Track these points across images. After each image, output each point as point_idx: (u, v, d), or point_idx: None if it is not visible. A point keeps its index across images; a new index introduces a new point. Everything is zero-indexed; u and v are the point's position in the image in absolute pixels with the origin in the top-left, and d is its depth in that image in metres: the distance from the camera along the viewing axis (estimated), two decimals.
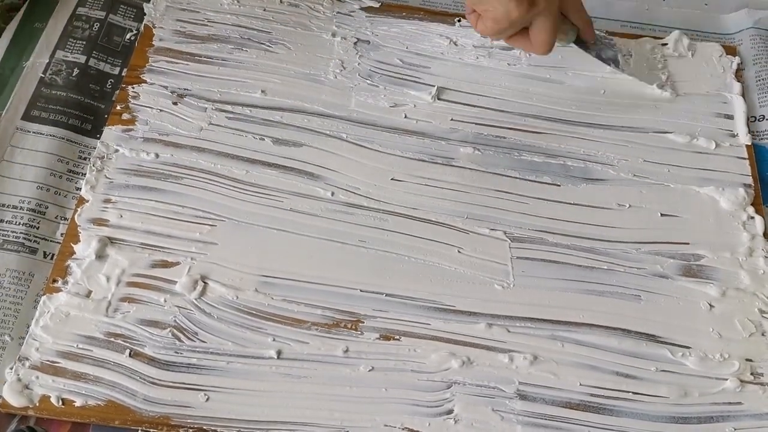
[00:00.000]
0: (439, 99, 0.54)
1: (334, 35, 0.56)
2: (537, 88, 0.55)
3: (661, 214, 0.50)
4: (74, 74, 0.54)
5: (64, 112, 0.52)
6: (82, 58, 0.54)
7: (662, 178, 0.51)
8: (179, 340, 0.44)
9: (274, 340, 0.44)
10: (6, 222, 0.48)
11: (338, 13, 0.58)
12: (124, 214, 0.48)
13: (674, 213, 0.50)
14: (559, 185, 0.51)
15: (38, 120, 0.52)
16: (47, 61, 0.54)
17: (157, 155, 0.50)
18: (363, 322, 0.45)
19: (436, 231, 0.48)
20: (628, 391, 0.43)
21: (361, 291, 0.46)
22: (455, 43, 0.56)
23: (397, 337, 0.45)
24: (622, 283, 0.47)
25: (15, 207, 0.48)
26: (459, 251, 0.48)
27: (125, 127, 0.51)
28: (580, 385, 0.44)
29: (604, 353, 0.45)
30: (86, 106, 0.53)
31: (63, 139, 0.51)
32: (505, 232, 0.48)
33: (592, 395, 0.43)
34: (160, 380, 0.43)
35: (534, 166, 0.51)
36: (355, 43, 0.56)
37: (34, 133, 0.51)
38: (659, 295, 0.47)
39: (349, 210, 0.49)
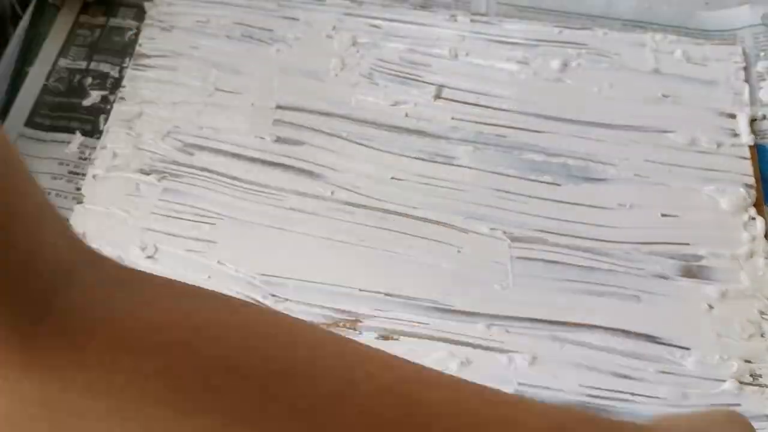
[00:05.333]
0: (439, 98, 0.54)
1: (335, 32, 0.56)
2: (538, 87, 0.54)
3: (662, 215, 0.49)
4: (76, 80, 0.54)
5: (65, 117, 0.52)
6: (84, 64, 0.55)
7: (663, 177, 0.51)
8: None
9: None
10: None
11: (340, 10, 0.57)
12: (124, 212, 0.48)
13: (675, 213, 0.50)
14: (559, 185, 0.50)
15: (40, 127, 0.52)
16: (50, 68, 0.54)
17: (157, 153, 0.50)
18: (362, 322, 0.45)
19: (435, 230, 0.48)
20: (627, 392, 0.43)
21: (360, 290, 0.46)
22: (458, 41, 0.56)
23: (396, 336, 0.45)
24: (621, 284, 0.47)
25: None
26: (458, 251, 0.48)
27: (127, 124, 0.51)
28: (579, 385, 0.44)
29: (603, 354, 0.45)
30: (86, 107, 0.53)
31: (64, 142, 0.51)
32: (504, 232, 0.48)
33: (590, 396, 0.43)
34: None
35: (534, 165, 0.51)
36: (355, 41, 0.56)
37: (36, 139, 0.51)
38: (659, 296, 0.47)
39: (348, 209, 0.49)
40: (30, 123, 0.52)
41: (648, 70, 0.55)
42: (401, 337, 0.45)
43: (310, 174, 0.50)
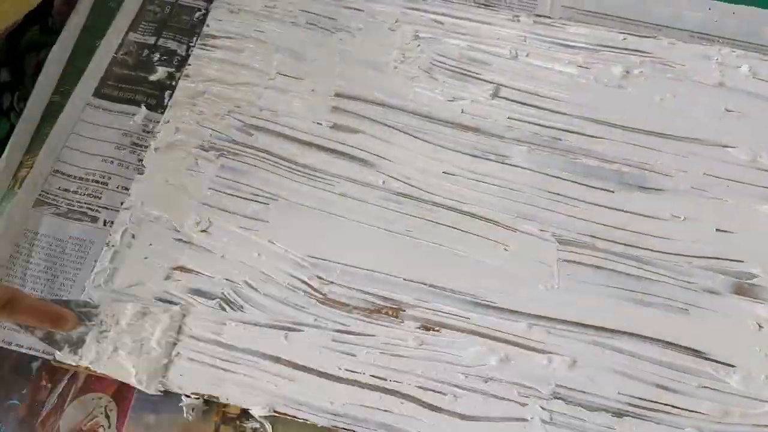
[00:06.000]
0: (497, 96, 0.54)
1: (397, 24, 0.57)
2: (598, 92, 0.54)
3: (717, 230, 0.49)
4: (144, 54, 0.56)
5: (132, 90, 0.54)
6: (152, 39, 0.56)
7: (721, 192, 0.50)
8: (225, 311, 0.45)
9: (315, 320, 0.45)
10: (72, 192, 0.50)
11: (403, 4, 0.58)
12: (182, 186, 0.49)
13: (730, 229, 0.49)
14: (612, 191, 0.50)
15: (108, 97, 0.54)
16: (120, 41, 0.56)
17: (217, 131, 0.52)
18: (404, 311, 0.46)
19: (483, 226, 0.48)
20: (668, 404, 0.43)
21: (404, 279, 0.46)
22: (519, 41, 0.56)
23: (437, 328, 0.45)
24: (670, 295, 0.46)
25: (81, 179, 0.50)
26: (505, 249, 0.48)
27: (190, 101, 0.53)
28: (619, 393, 0.43)
29: (646, 363, 0.44)
30: (153, 82, 0.54)
31: (130, 114, 0.53)
32: (553, 234, 0.48)
33: (630, 405, 0.43)
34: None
35: (588, 170, 0.51)
36: (417, 35, 0.56)
37: (103, 109, 0.53)
38: (707, 311, 0.46)
39: (398, 199, 0.49)
40: (98, 93, 0.54)
41: (713, 84, 0.54)
42: (442, 329, 0.45)
43: (363, 162, 0.51)
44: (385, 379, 0.43)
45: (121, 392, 0.44)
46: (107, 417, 0.43)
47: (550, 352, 0.44)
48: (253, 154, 0.51)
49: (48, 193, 0.50)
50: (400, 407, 0.43)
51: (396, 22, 0.57)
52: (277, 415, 0.42)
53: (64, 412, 0.43)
